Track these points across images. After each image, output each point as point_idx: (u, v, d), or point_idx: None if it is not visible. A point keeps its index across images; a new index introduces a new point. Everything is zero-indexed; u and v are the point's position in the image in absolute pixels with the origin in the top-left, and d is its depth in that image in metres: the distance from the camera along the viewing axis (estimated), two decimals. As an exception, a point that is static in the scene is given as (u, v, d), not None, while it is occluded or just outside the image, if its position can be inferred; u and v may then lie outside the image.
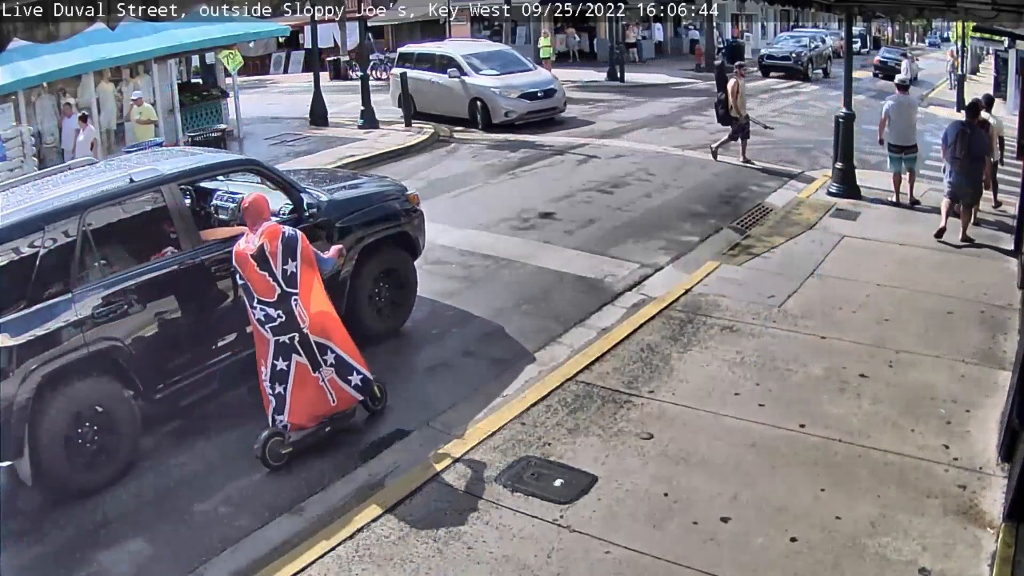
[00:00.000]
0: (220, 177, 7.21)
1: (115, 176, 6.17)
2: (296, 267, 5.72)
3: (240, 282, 5.84)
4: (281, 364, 5.76)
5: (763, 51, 33.06)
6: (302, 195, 6.97)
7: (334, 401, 5.91)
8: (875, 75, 32.06)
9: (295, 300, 5.70)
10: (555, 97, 19.08)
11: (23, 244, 5.48)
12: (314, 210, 6.96)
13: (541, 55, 28.74)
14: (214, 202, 7.29)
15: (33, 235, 5.50)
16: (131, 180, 6.07)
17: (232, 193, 7.24)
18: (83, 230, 5.68)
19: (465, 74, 19.00)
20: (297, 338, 5.72)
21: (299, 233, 5.83)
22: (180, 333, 6.09)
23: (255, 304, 5.73)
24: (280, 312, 5.68)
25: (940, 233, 10.20)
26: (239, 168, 7.16)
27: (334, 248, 6.41)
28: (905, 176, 11.91)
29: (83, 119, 13.16)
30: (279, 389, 5.79)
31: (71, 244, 5.61)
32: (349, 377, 5.92)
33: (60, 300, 5.51)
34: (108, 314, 5.68)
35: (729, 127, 14.54)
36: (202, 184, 7.17)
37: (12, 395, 5.18)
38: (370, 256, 7.40)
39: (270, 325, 5.71)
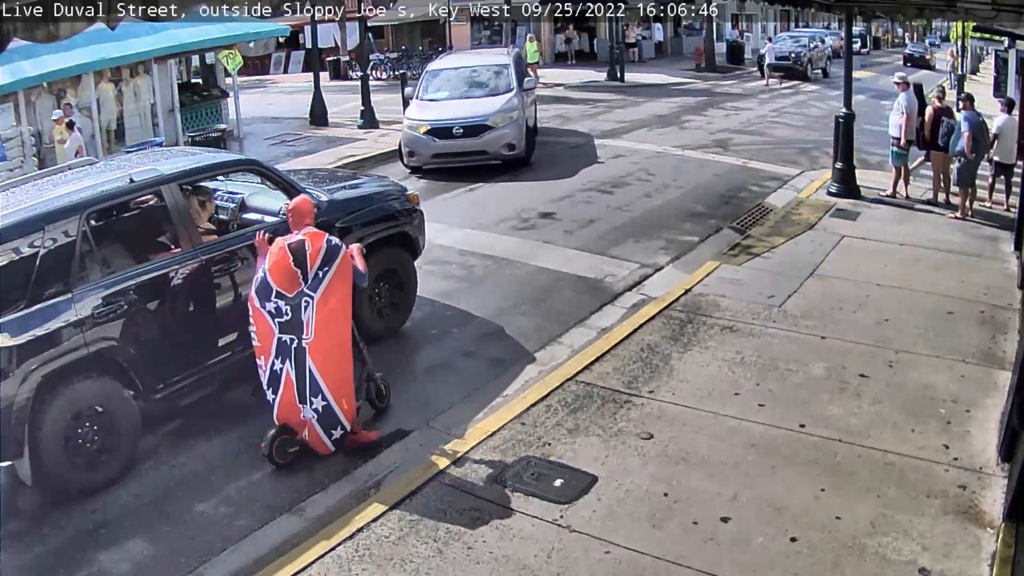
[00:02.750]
0: (220, 177, 7.21)
1: (115, 176, 6.16)
2: (326, 274, 5.64)
3: (261, 274, 5.68)
4: (278, 365, 5.68)
5: (762, 51, 32.98)
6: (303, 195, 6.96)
7: (306, 436, 5.76)
8: (905, 64, 38.11)
9: (307, 302, 5.62)
10: (487, 137, 13.61)
11: (23, 244, 5.48)
12: (314, 210, 6.95)
13: (529, 59, 27.09)
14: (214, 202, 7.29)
15: (33, 235, 5.50)
16: (131, 180, 6.06)
17: (232, 193, 7.24)
18: (83, 230, 5.67)
19: (412, 97, 14.89)
20: (295, 343, 5.64)
21: (343, 247, 5.79)
22: (180, 333, 6.09)
23: (272, 297, 5.64)
24: (289, 309, 5.63)
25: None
26: (239, 168, 7.15)
27: (354, 247, 6.15)
28: (898, 171, 12.31)
29: (69, 126, 12.97)
30: (271, 396, 5.75)
31: (71, 244, 5.60)
32: (331, 431, 5.74)
33: (60, 300, 5.50)
34: (108, 314, 5.67)
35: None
36: (202, 184, 7.17)
37: (12, 395, 5.17)
38: (370, 256, 7.34)
39: (279, 319, 5.66)
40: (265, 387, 5.78)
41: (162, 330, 5.99)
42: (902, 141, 12.14)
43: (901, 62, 39.47)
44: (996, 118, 12.07)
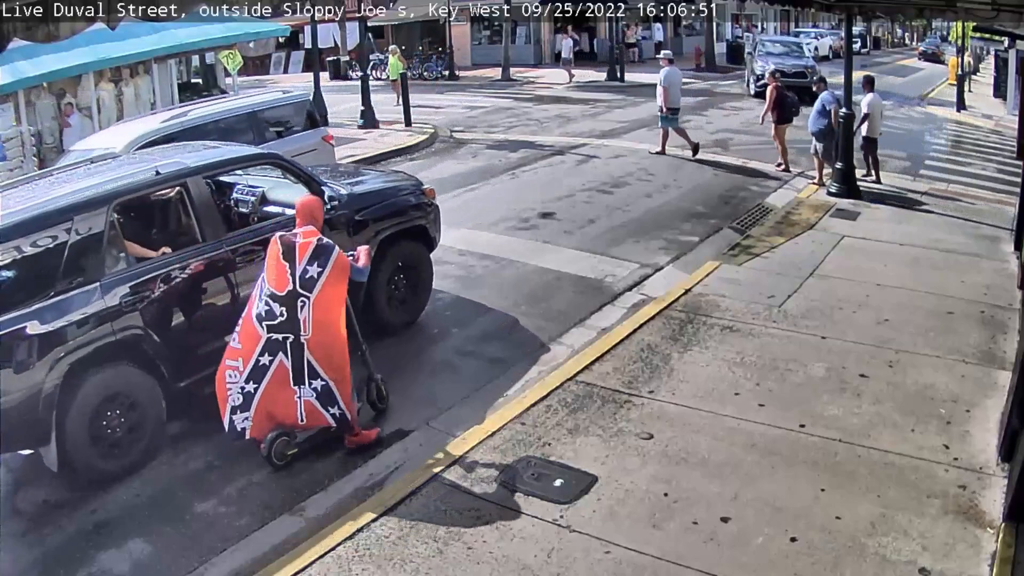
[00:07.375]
0: (240, 171, 7.29)
1: (141, 169, 6.31)
2: (320, 274, 5.61)
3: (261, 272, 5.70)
4: (264, 359, 5.62)
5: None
6: (324, 188, 7.07)
7: (303, 420, 5.75)
8: (919, 58, 45.07)
9: (303, 303, 5.60)
10: None
11: (53, 234, 5.57)
12: (335, 203, 7.08)
13: (391, 76, 23.52)
14: (234, 195, 7.35)
15: (63, 225, 5.59)
16: (157, 172, 6.19)
17: (252, 187, 7.32)
18: (111, 220, 5.78)
19: None
20: (291, 340, 5.63)
21: (336, 248, 5.75)
22: (204, 322, 6.18)
23: (262, 295, 5.66)
24: (284, 310, 5.61)
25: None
26: (261, 162, 7.30)
27: (362, 250, 6.18)
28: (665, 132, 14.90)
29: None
30: (251, 387, 5.64)
31: (99, 234, 5.70)
32: (329, 408, 5.73)
33: (88, 289, 5.58)
34: (135, 303, 5.76)
35: None
36: (223, 178, 7.25)
37: (40, 382, 5.25)
38: (388, 249, 7.51)
39: (268, 322, 5.63)
40: (243, 382, 5.66)
41: (187, 319, 6.09)
42: (664, 109, 14.88)
43: (902, 61, 43.85)
44: (864, 97, 13.21)
